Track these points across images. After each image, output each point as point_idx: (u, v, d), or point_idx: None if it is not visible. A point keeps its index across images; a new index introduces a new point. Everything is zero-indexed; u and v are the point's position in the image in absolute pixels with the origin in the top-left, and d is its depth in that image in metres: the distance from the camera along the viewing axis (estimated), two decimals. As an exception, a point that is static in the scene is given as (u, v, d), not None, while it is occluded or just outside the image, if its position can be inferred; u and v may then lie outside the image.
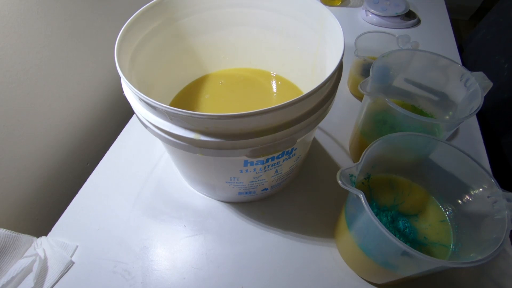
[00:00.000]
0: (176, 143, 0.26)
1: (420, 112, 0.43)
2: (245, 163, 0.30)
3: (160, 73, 0.39)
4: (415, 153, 0.34)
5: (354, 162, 0.43)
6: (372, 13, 0.69)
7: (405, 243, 0.23)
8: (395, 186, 0.35)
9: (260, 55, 0.46)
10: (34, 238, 0.37)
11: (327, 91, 0.28)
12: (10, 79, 0.37)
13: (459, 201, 0.31)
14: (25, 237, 0.35)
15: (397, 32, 0.67)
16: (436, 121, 0.37)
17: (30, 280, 0.33)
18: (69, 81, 0.46)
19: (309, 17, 0.36)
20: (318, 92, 0.25)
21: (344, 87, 0.57)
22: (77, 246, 0.37)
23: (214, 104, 0.43)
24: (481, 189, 0.28)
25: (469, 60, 0.60)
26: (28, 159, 0.41)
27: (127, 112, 0.58)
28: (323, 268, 0.35)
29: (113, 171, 0.45)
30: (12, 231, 0.34)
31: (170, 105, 0.26)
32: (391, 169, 0.35)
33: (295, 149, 0.32)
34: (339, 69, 0.30)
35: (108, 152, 0.47)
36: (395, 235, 0.24)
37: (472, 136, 0.48)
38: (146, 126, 0.28)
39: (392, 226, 0.32)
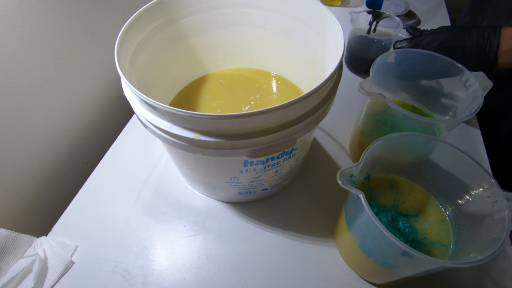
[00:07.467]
0: (176, 143, 0.26)
1: (420, 112, 0.43)
2: (245, 163, 0.30)
3: (160, 73, 0.39)
4: (415, 153, 0.34)
5: (354, 162, 0.43)
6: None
7: (405, 243, 0.23)
8: (395, 186, 0.35)
9: (260, 55, 0.46)
10: (34, 238, 0.36)
11: (327, 91, 0.28)
12: (10, 79, 0.37)
13: (459, 201, 0.31)
14: (25, 237, 0.35)
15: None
16: (436, 121, 0.37)
17: (30, 280, 0.33)
18: (69, 81, 0.46)
19: (309, 17, 0.36)
20: (318, 92, 0.25)
21: (344, 87, 0.56)
22: (77, 246, 0.37)
23: (214, 104, 0.43)
24: (481, 189, 0.28)
25: None
26: (29, 159, 0.41)
27: (127, 112, 0.58)
28: (323, 268, 0.35)
29: (113, 171, 0.45)
30: (12, 231, 0.34)
31: (170, 105, 0.26)
32: (391, 169, 0.35)
33: (295, 149, 0.32)
34: (339, 69, 0.30)
35: (108, 152, 0.47)
36: (395, 235, 0.24)
37: (472, 136, 0.48)
38: (146, 126, 0.28)
39: (392, 226, 0.32)
